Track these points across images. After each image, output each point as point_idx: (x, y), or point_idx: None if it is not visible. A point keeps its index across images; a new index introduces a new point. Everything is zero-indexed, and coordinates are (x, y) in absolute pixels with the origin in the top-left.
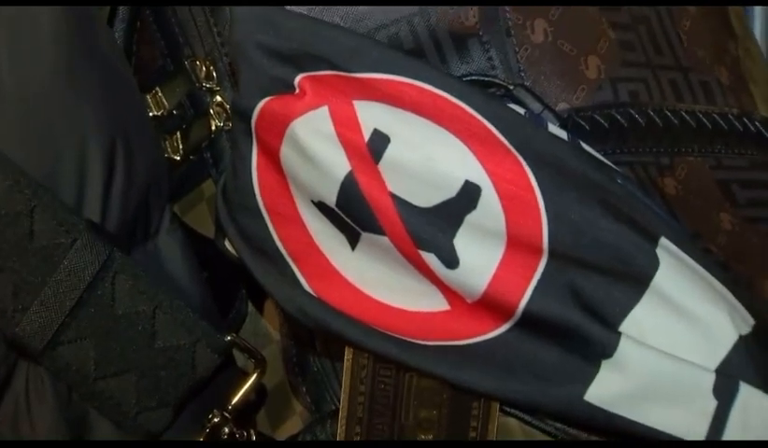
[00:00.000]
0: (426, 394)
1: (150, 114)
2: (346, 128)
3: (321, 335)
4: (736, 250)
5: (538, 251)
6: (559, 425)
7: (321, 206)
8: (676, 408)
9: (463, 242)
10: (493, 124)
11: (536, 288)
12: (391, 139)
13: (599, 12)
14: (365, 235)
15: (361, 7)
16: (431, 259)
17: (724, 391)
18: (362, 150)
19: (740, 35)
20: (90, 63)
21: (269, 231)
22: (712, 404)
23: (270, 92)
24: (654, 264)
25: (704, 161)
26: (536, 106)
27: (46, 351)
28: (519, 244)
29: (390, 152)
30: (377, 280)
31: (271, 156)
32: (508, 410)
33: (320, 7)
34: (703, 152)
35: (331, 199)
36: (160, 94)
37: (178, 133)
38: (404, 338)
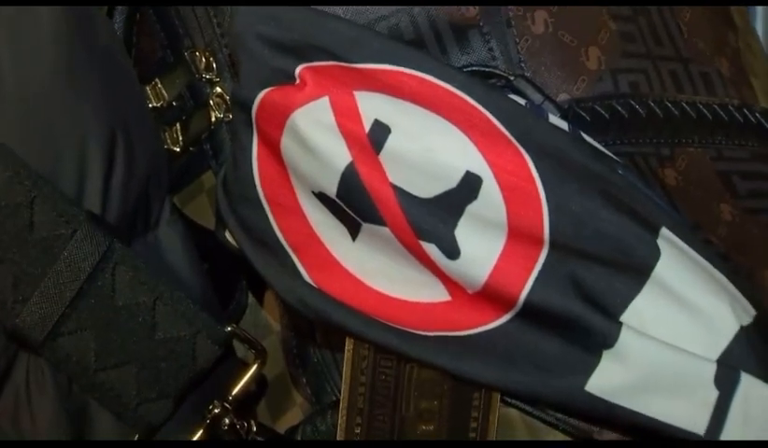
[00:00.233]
0: (427, 385)
1: (150, 105)
2: (346, 118)
3: (322, 326)
4: (737, 241)
5: (539, 242)
6: (560, 415)
7: (322, 197)
8: (678, 398)
9: (464, 232)
10: (494, 115)
11: (537, 279)
12: (392, 130)
13: (600, 4)
14: (366, 226)
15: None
16: (432, 250)
17: (725, 381)
18: (362, 141)
19: (741, 27)
20: (90, 61)
21: (269, 222)
22: (713, 395)
23: (271, 83)
24: (655, 255)
25: (705, 152)
26: (537, 97)
27: (46, 342)
28: (519, 234)
29: (390, 143)
30: (378, 271)
31: (271, 147)
32: (509, 400)
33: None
34: (703, 143)
35: (331, 189)
36: (159, 86)
37: (178, 125)
38: (404, 329)
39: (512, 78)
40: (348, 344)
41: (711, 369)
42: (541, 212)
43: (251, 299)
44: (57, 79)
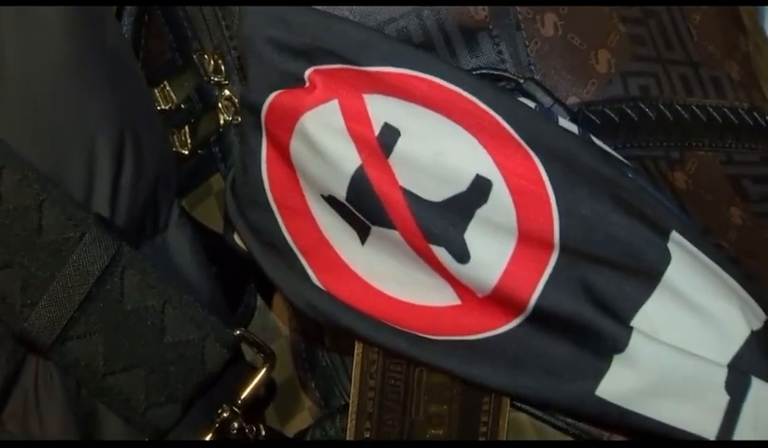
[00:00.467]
0: (436, 389)
1: (159, 108)
2: (356, 122)
3: (331, 330)
4: (747, 245)
5: (549, 246)
6: (570, 420)
7: (331, 200)
8: (688, 403)
9: (474, 236)
10: (504, 118)
11: (547, 283)
12: (402, 133)
13: (610, 7)
14: (375, 229)
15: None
16: (441, 254)
17: (736, 386)
18: (372, 144)
19: (750, 29)
20: (98, 59)
21: (278, 225)
22: (724, 399)
23: (280, 86)
24: (665, 259)
25: (715, 156)
26: (547, 100)
27: (55, 346)
28: (530, 238)
29: (400, 146)
30: (387, 274)
31: (281, 150)
32: (519, 405)
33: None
34: (713, 147)
35: (341, 193)
36: (168, 88)
37: (187, 128)
38: (414, 332)
39: (521, 81)
40: (358, 348)
41: (722, 373)
42: (551, 216)
43: (260, 302)
44: (65, 75)
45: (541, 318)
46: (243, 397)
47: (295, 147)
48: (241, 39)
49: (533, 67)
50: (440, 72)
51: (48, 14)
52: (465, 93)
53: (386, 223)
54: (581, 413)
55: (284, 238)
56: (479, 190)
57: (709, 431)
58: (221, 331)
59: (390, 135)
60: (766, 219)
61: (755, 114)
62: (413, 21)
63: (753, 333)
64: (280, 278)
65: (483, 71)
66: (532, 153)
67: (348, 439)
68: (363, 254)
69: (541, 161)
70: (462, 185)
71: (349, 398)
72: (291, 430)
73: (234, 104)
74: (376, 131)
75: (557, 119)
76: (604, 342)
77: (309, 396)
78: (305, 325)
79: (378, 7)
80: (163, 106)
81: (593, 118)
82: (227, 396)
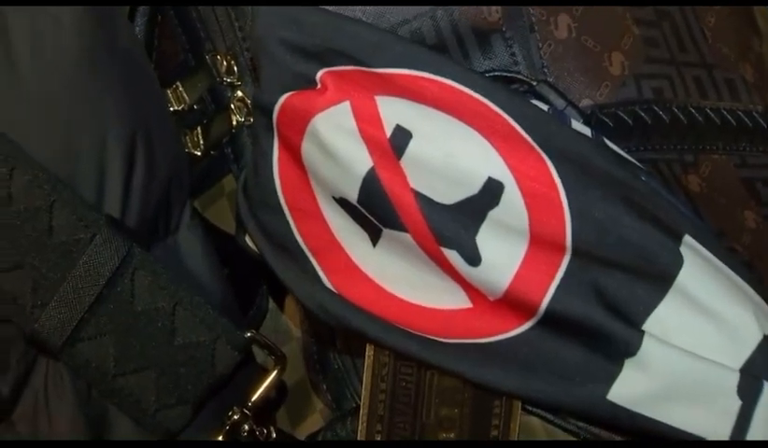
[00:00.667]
0: (448, 392)
1: (171, 109)
2: (367, 123)
3: (342, 332)
4: (761, 248)
5: (561, 249)
6: (581, 424)
7: (343, 202)
8: (700, 408)
9: (486, 239)
10: (516, 121)
11: (559, 287)
12: (414, 135)
13: (623, 8)
14: (387, 232)
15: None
16: (453, 257)
17: (749, 391)
18: (383, 146)
19: (765, 31)
20: (111, 58)
21: (290, 227)
22: (736, 404)
23: (292, 88)
24: (678, 262)
25: (729, 159)
26: (560, 103)
27: (65, 347)
28: (542, 241)
29: (412, 148)
30: (399, 277)
31: (292, 152)
32: (531, 409)
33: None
34: (727, 150)
35: (352, 195)
36: (181, 89)
37: (199, 128)
38: (425, 335)
39: (535, 84)
40: (369, 351)
41: (734, 378)
42: (563, 218)
43: (272, 304)
44: (79, 72)
45: (552, 322)
46: (254, 399)
47: (307, 148)
48: (254, 40)
49: (546, 69)
50: (452, 74)
51: (60, 14)
52: (477, 95)
53: (397, 225)
54: (592, 416)
55: (295, 240)
56: (491, 193)
57: (721, 436)
58: (232, 333)
59: (401, 137)
60: None
61: None
62: (426, 22)
63: (766, 338)
64: (292, 280)
65: (496, 73)
66: (544, 156)
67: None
68: (375, 256)
69: (553, 163)
70: (474, 187)
71: (361, 400)
72: (302, 433)
73: (246, 105)
74: (388, 132)
75: (570, 122)
76: (616, 345)
77: (321, 398)
78: (316, 327)
79: (392, 9)
80: (175, 107)
81: (606, 120)
82: (238, 398)
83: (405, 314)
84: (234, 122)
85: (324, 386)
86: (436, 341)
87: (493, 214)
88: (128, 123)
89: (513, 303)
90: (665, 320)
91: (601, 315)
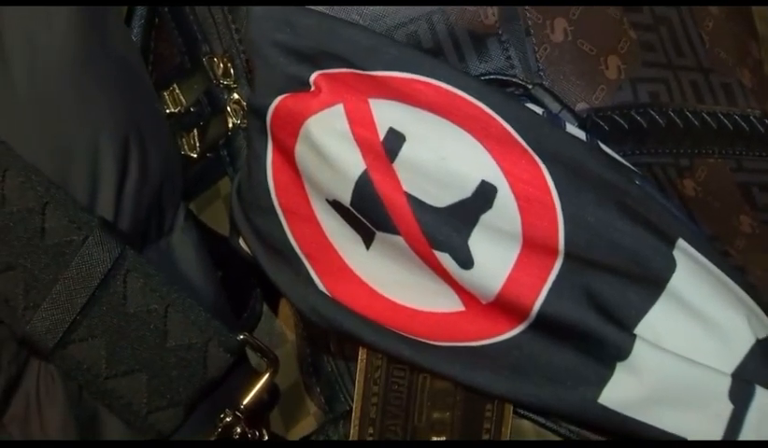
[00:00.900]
0: (439, 395)
1: (168, 111)
2: (361, 126)
3: (335, 335)
4: (756, 253)
5: (554, 252)
6: (573, 427)
7: (336, 205)
8: (692, 412)
9: (478, 242)
10: (510, 124)
11: (551, 290)
12: (407, 138)
13: (620, 12)
14: (380, 235)
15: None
16: (445, 260)
17: (740, 395)
18: (377, 149)
19: (763, 37)
20: (104, 59)
21: (284, 230)
22: (728, 408)
23: (285, 90)
24: (671, 266)
25: (725, 163)
26: (555, 106)
27: (57, 349)
28: (534, 245)
29: (405, 151)
30: (392, 280)
31: (286, 154)
32: (522, 412)
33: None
34: (723, 154)
35: (345, 198)
36: (177, 91)
37: (195, 131)
38: (417, 338)
39: (530, 87)
40: (362, 354)
41: (726, 382)
42: (556, 222)
43: (266, 308)
44: (72, 71)
45: (544, 325)
46: (246, 402)
47: (300, 151)
48: (247, 43)
49: (542, 73)
50: (446, 77)
51: (54, 15)
52: (471, 98)
53: (390, 228)
54: (583, 420)
55: (289, 243)
56: (484, 196)
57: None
58: (224, 336)
59: (395, 140)
60: None
61: (766, 121)
62: (423, 25)
63: (758, 342)
64: (285, 283)
65: (492, 76)
66: (537, 159)
67: None
68: (368, 259)
69: (547, 167)
70: (467, 190)
71: (353, 403)
72: (295, 435)
73: (242, 107)
74: (381, 135)
75: (564, 126)
76: (608, 349)
77: (314, 401)
78: (310, 330)
79: (388, 12)
80: (172, 109)
81: (602, 124)
82: (230, 400)
83: (398, 317)
84: (231, 125)
85: (318, 389)
86: (428, 344)
87: (486, 217)
88: (121, 127)
89: (505, 307)
90: (657, 324)
91: (593, 319)
